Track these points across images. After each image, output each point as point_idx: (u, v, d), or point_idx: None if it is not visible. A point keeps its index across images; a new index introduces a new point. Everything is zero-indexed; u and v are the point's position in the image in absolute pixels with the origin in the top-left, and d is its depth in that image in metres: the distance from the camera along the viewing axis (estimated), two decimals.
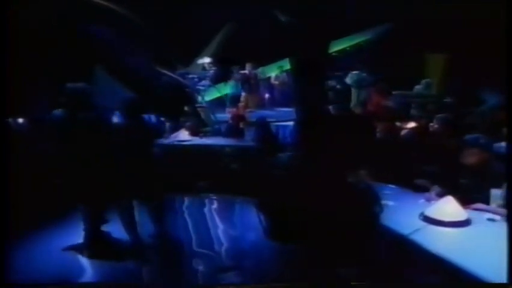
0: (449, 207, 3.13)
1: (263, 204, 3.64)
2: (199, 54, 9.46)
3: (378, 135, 5.05)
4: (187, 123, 7.07)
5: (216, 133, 7.26)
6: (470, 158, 3.62)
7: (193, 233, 4.68)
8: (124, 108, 4.00)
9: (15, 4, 4.50)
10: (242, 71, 9.17)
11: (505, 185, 3.36)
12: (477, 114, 6.68)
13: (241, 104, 7.99)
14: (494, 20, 4.58)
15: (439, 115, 6.29)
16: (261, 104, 9.18)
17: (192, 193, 5.42)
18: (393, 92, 8.34)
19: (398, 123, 6.56)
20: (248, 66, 9.16)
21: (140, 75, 7.83)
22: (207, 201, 5.38)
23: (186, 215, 5.14)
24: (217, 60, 9.23)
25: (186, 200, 5.43)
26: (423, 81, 8.33)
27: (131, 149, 4.13)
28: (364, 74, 9.15)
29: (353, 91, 9.23)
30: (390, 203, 3.54)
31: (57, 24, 6.93)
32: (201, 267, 4.01)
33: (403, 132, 5.90)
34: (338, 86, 9.48)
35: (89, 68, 7.30)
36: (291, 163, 3.71)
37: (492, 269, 2.55)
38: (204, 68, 9.22)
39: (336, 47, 10.33)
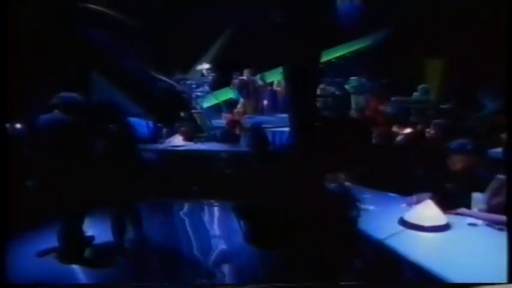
0: (428, 212, 3.06)
1: (241, 209, 3.59)
2: (197, 60, 9.46)
3: (367, 140, 4.98)
4: (182, 129, 7.04)
5: (211, 139, 7.22)
6: (456, 164, 3.54)
7: (180, 237, 4.63)
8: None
9: (14, 6, 4.55)
10: (240, 77, 9.15)
11: (489, 189, 3.28)
12: (475, 119, 6.60)
13: (236, 110, 7.93)
14: (493, 24, 4.53)
15: (436, 121, 6.24)
16: (259, 110, 9.13)
17: (182, 198, 5.38)
18: (392, 98, 8.28)
19: (394, 129, 6.50)
20: (246, 72, 9.13)
21: (136, 80, 7.83)
22: (195, 206, 5.34)
23: (174, 220, 5.10)
24: (215, 67, 9.23)
25: (176, 205, 5.39)
26: (420, 86, 8.26)
27: (113, 152, 4.11)
28: (363, 80, 9.10)
29: (352, 97, 9.18)
30: (371, 207, 3.46)
31: (56, 27, 6.96)
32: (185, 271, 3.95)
33: (397, 137, 5.83)
34: (337, 92, 9.43)
35: (86, 71, 7.33)
36: (271, 167, 3.66)
37: (471, 272, 2.45)
38: (202, 74, 9.21)
39: (335, 53, 10.31)
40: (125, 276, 3.88)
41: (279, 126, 7.62)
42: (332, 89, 9.46)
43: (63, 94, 4.11)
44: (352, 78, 9.05)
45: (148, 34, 8.38)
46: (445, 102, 7.90)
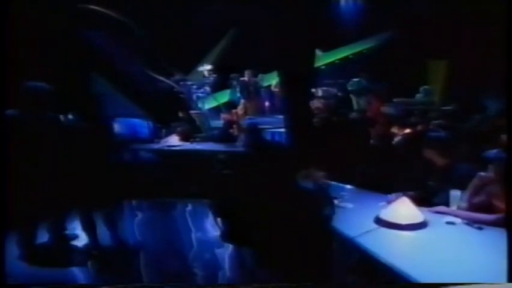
0: (403, 209, 2.96)
1: (217, 206, 3.53)
2: (199, 61, 9.47)
3: (353, 139, 4.89)
4: (178, 129, 7.02)
5: (207, 139, 7.20)
6: (437, 159, 3.45)
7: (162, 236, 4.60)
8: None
9: (14, 8, 4.57)
10: (241, 78, 9.12)
11: (470, 187, 3.18)
12: (476, 121, 6.47)
13: (234, 110, 7.90)
14: (496, 26, 4.44)
15: (435, 121, 6.13)
16: (260, 111, 9.10)
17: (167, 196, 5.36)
18: (394, 100, 8.21)
19: (393, 130, 6.40)
20: (247, 73, 9.11)
21: (135, 81, 7.86)
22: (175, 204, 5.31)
23: (157, 219, 5.08)
24: (216, 68, 9.23)
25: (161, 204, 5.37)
26: (422, 88, 8.17)
27: (88, 151, 4.09)
28: (364, 82, 9.03)
29: (353, 98, 9.12)
30: (350, 205, 3.37)
31: (56, 29, 7.00)
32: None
33: (391, 137, 5.73)
34: (340, 94, 9.37)
35: (86, 72, 7.36)
36: (246, 165, 3.60)
37: (449, 272, 2.36)
38: (203, 76, 9.22)
39: (338, 54, 10.25)
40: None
41: (278, 127, 7.57)
42: (334, 90, 9.39)
43: (29, 84, 3.99)
44: (354, 79, 8.98)
45: (149, 35, 8.39)
46: (448, 104, 7.78)
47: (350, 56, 10.00)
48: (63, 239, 4.22)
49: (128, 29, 8.17)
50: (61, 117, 4.20)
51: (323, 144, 4.90)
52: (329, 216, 3.03)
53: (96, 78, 7.58)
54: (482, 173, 3.11)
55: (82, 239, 4.33)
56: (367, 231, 2.88)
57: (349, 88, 9.08)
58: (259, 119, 8.19)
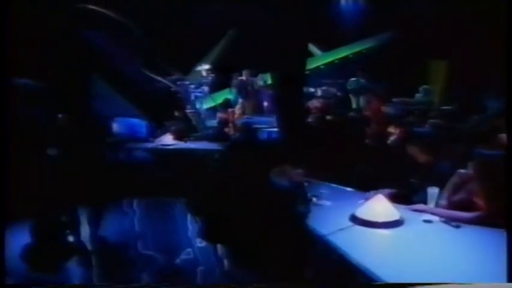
0: (379, 207, 2.88)
1: (193, 205, 3.49)
2: (197, 61, 9.46)
3: (337, 138, 4.82)
4: (173, 127, 6.99)
5: (201, 138, 7.17)
6: (419, 156, 3.37)
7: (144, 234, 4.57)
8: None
9: (14, 8, 4.57)
10: (239, 77, 9.09)
11: (449, 185, 3.09)
12: (475, 121, 6.39)
13: (231, 110, 7.85)
14: (495, 25, 4.38)
15: (431, 121, 6.05)
16: (258, 110, 9.05)
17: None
18: (394, 99, 8.16)
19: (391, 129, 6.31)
20: (245, 72, 9.07)
21: (132, 80, 7.85)
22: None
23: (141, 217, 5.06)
24: (215, 68, 9.21)
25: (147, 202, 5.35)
26: (421, 88, 8.10)
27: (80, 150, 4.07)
28: (362, 81, 8.97)
29: (352, 98, 9.05)
30: (327, 203, 3.30)
31: (55, 28, 7.03)
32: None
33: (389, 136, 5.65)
34: (339, 93, 9.31)
35: (85, 72, 7.37)
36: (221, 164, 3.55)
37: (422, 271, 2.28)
38: (202, 75, 9.20)
39: (338, 54, 10.19)
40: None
41: (274, 126, 7.53)
42: (333, 90, 9.33)
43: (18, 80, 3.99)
44: (352, 79, 8.93)
45: (148, 35, 8.39)
46: (447, 104, 7.72)
47: (350, 56, 9.91)
48: (56, 237, 4.20)
49: (127, 28, 8.17)
50: (54, 114, 4.18)
51: (308, 143, 4.84)
52: (303, 213, 2.96)
53: (94, 78, 7.59)
54: (461, 171, 3.02)
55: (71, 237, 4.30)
56: (340, 229, 2.80)
57: (348, 87, 9.01)
58: (257, 119, 8.14)
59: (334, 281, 2.67)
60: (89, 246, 4.24)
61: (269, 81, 8.74)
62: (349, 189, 3.53)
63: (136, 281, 3.76)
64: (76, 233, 4.19)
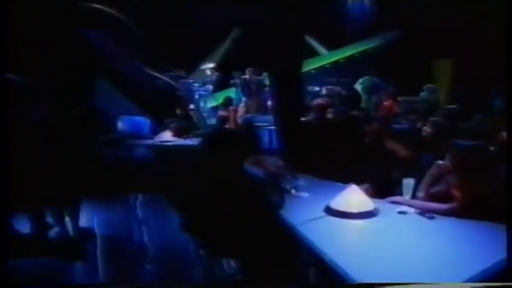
0: (353, 198, 2.85)
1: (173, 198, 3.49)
2: (201, 60, 9.51)
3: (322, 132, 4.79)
4: (172, 124, 7.02)
5: (200, 135, 7.16)
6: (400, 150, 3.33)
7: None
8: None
9: (15, 8, 4.66)
10: (243, 76, 9.10)
11: (427, 176, 3.04)
12: (477, 119, 6.31)
13: (231, 108, 7.86)
14: (498, 25, 4.35)
15: (431, 118, 5.98)
16: (261, 109, 9.05)
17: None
18: (399, 98, 8.13)
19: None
20: (248, 71, 9.08)
21: (134, 79, 7.92)
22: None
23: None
24: (219, 66, 9.25)
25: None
26: (426, 86, 8.02)
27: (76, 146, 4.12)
28: (376, 80, 8.91)
29: (363, 97, 8.99)
30: (305, 194, 3.28)
31: (56, 28, 7.11)
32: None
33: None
34: (343, 92, 9.26)
35: (87, 71, 7.45)
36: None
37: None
38: (206, 74, 9.25)
39: (344, 53, 10.14)
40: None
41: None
42: (338, 88, 9.29)
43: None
44: (365, 77, 8.87)
45: (151, 34, 8.46)
46: (452, 103, 7.63)
47: (356, 55, 9.85)
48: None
49: (129, 27, 8.26)
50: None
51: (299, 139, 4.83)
52: (277, 204, 2.94)
53: (97, 77, 7.67)
54: (439, 162, 2.97)
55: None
56: (312, 219, 2.77)
57: (359, 86, 8.96)
58: (261, 117, 8.15)
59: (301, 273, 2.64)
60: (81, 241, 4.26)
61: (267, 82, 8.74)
62: (330, 181, 3.47)
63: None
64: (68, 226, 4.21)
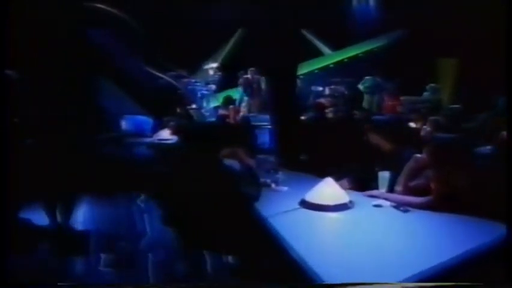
0: (327, 190, 2.81)
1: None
2: (204, 60, 9.53)
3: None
4: (171, 123, 7.04)
5: None
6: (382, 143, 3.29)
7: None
8: None
9: (15, 8, 4.73)
10: (245, 76, 9.11)
11: (405, 170, 3.00)
12: (480, 119, 6.24)
13: (232, 107, 7.87)
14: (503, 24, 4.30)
15: (431, 117, 5.93)
16: (263, 108, 9.04)
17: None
18: (401, 98, 8.07)
19: None
20: (250, 71, 9.09)
21: (135, 77, 7.97)
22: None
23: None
24: (222, 66, 9.26)
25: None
26: (429, 86, 7.94)
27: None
28: (378, 80, 8.86)
29: (366, 97, 8.95)
30: (284, 188, 3.25)
31: (59, 27, 7.19)
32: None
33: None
34: (346, 92, 9.22)
35: (90, 71, 7.52)
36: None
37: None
38: (209, 74, 9.27)
39: (348, 53, 10.09)
40: None
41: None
42: (342, 88, 9.25)
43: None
44: (367, 77, 8.83)
45: (154, 33, 8.51)
46: (455, 102, 7.57)
47: (360, 55, 9.79)
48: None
49: (131, 27, 8.31)
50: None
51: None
52: (252, 196, 2.93)
53: (99, 76, 7.73)
54: (418, 155, 2.92)
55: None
56: (284, 212, 2.74)
57: (362, 86, 8.93)
58: (262, 116, 8.13)
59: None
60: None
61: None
62: (312, 176, 3.44)
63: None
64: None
